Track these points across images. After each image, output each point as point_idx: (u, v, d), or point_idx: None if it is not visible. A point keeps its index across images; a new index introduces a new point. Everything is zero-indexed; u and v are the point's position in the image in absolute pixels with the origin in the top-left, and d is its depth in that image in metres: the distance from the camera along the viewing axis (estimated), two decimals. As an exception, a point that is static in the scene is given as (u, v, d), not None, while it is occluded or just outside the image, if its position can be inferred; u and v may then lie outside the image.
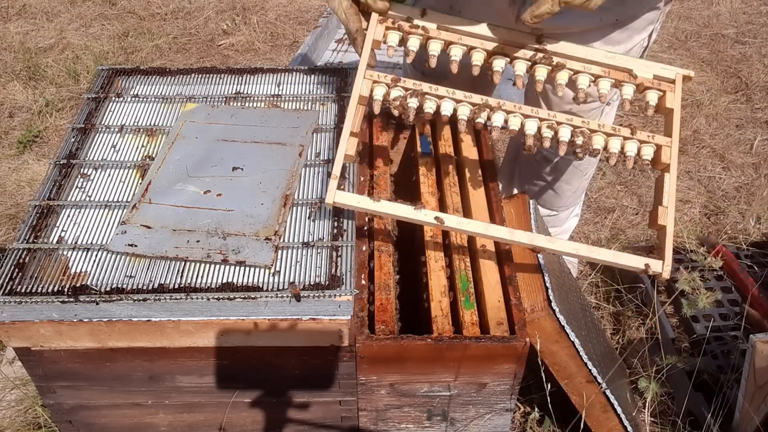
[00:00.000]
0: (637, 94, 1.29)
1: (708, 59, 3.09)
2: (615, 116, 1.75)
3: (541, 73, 1.27)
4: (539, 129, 1.25)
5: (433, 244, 1.34)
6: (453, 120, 1.26)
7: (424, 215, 1.23)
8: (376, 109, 1.26)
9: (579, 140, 1.24)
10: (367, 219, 1.37)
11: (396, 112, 1.25)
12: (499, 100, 1.26)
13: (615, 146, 1.25)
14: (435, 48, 1.27)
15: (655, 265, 1.23)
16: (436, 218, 1.22)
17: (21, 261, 1.16)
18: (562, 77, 1.27)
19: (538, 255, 1.37)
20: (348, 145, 1.23)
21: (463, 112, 1.26)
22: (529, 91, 1.71)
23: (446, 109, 1.26)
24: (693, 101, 2.80)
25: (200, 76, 1.57)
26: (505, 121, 1.26)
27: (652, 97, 1.28)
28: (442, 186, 1.46)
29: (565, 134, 1.25)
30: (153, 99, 1.51)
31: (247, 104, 1.50)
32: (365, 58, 1.25)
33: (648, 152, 1.26)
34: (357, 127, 1.25)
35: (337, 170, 1.21)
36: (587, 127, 1.24)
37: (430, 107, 1.25)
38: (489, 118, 1.26)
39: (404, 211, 1.23)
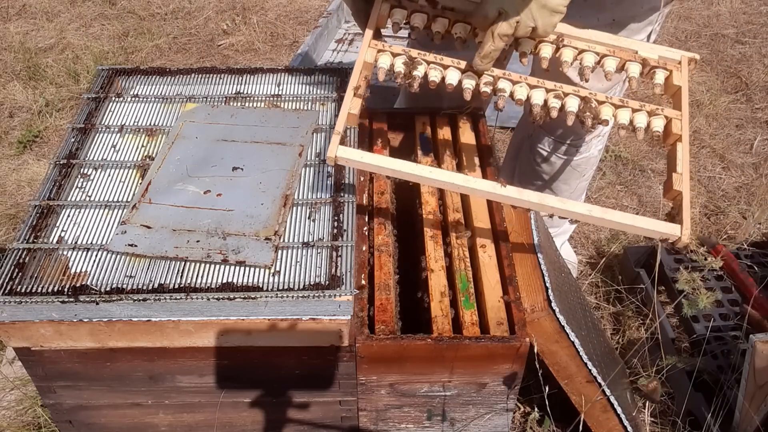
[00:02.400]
0: (642, 77, 1.27)
1: (708, 59, 3.08)
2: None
3: (546, 51, 1.26)
4: (546, 101, 1.23)
5: (433, 243, 1.34)
6: (458, 90, 1.25)
7: (429, 172, 1.20)
8: (381, 77, 1.26)
9: (587, 111, 1.22)
10: (367, 219, 1.37)
11: (399, 80, 1.25)
12: (505, 71, 1.25)
13: (624, 118, 1.23)
14: (439, 26, 1.27)
15: (674, 230, 1.17)
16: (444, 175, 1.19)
17: (21, 261, 1.16)
18: (567, 55, 1.26)
19: (539, 255, 1.37)
20: (352, 104, 1.22)
21: (469, 83, 1.25)
22: (534, 72, 1.69)
23: (451, 78, 1.25)
24: (693, 101, 2.80)
25: (200, 76, 1.57)
26: (512, 93, 1.25)
27: (659, 76, 1.26)
28: (442, 186, 1.45)
29: (572, 104, 1.23)
30: (153, 99, 1.51)
31: (247, 104, 1.50)
32: (370, 32, 1.25)
33: (658, 124, 1.23)
34: (362, 90, 1.24)
35: (340, 126, 1.20)
36: (595, 98, 1.23)
37: (435, 76, 1.25)
38: (494, 89, 1.25)
39: (408, 167, 1.20)
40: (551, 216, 1.91)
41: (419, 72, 1.24)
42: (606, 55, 1.26)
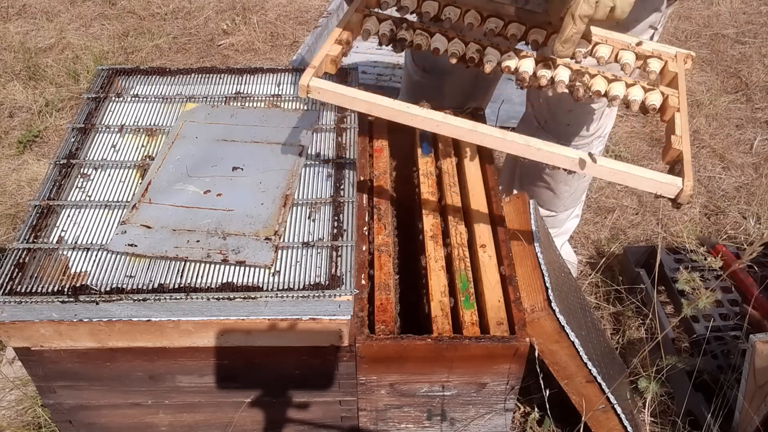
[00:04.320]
0: (637, 67, 1.26)
1: (708, 59, 3.08)
2: (616, 117, 1.75)
3: (537, 35, 1.24)
4: (535, 72, 1.21)
5: (433, 243, 1.34)
6: (444, 54, 1.24)
7: (406, 107, 1.15)
8: (364, 38, 1.27)
9: (578, 81, 1.19)
10: (367, 218, 1.37)
11: (384, 41, 1.25)
12: (492, 41, 1.25)
13: (618, 90, 1.20)
14: (429, 8, 1.27)
15: (675, 181, 1.09)
16: (424, 112, 1.14)
17: (21, 261, 1.16)
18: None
19: (539, 255, 1.37)
20: (331, 48, 1.22)
21: (456, 48, 1.24)
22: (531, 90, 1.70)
23: (438, 43, 1.25)
24: (693, 101, 2.80)
25: (200, 76, 1.57)
26: (500, 62, 1.23)
27: (654, 64, 1.24)
28: (442, 186, 1.46)
29: (563, 75, 1.21)
30: (153, 99, 1.51)
31: (247, 104, 1.50)
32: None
33: (655, 98, 1.20)
34: (345, 44, 1.24)
35: (315, 61, 1.18)
36: (587, 71, 1.21)
37: (420, 41, 1.25)
38: (482, 56, 1.24)
39: (385, 102, 1.15)
40: (552, 215, 1.91)
41: (405, 36, 1.24)
42: (599, 43, 1.24)
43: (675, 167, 1.14)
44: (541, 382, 1.34)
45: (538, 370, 1.33)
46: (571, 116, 1.66)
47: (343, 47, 1.25)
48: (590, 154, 1.12)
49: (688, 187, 1.08)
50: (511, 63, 1.23)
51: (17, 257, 1.17)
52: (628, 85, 1.22)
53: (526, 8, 1.26)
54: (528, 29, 1.24)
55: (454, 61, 1.24)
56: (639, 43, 1.26)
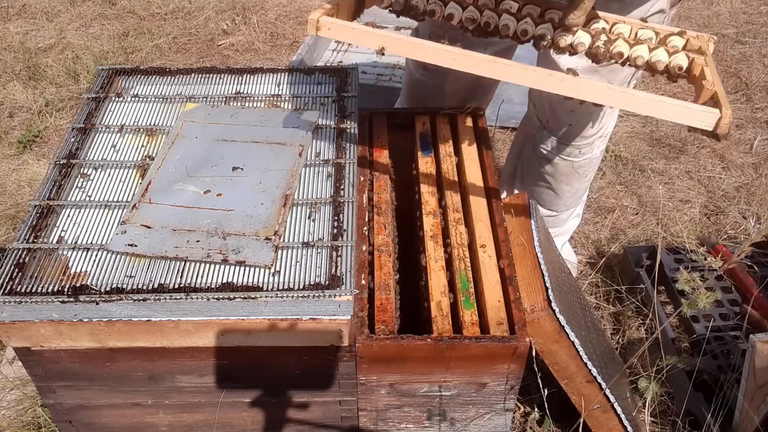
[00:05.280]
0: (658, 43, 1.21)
1: (708, 59, 3.08)
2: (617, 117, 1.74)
3: (553, 14, 1.20)
4: (553, 38, 1.16)
5: (433, 243, 1.34)
6: (449, 18, 1.21)
7: (420, 41, 1.11)
8: (378, 3, 1.22)
9: (600, 41, 1.15)
10: (367, 219, 1.37)
11: (397, 7, 1.21)
12: (508, 7, 1.20)
13: (641, 51, 1.14)
14: None
15: (713, 111, 1.03)
16: (445, 46, 1.09)
17: (21, 261, 1.16)
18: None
19: (539, 255, 1.37)
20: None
21: (471, 14, 1.20)
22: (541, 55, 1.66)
23: (453, 9, 1.21)
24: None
25: (200, 76, 1.57)
26: (515, 29, 1.19)
27: (677, 41, 1.18)
28: (442, 186, 1.46)
29: (583, 38, 1.16)
30: (153, 99, 1.51)
31: (247, 104, 1.50)
32: None
33: (681, 59, 1.13)
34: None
35: (327, 5, 1.14)
36: (608, 34, 1.17)
37: (434, 7, 1.21)
38: (497, 23, 1.19)
39: (397, 36, 1.12)
40: (554, 214, 1.91)
41: (419, 3, 1.20)
42: (617, 22, 1.20)
43: (713, 99, 1.07)
44: (540, 381, 1.34)
45: (536, 369, 1.33)
46: (573, 116, 1.66)
47: (356, 5, 1.19)
48: (614, 86, 1.06)
49: (726, 116, 1.01)
50: (529, 28, 1.19)
51: (17, 257, 1.17)
52: (651, 49, 1.16)
53: None
54: (544, 10, 1.20)
55: (470, 26, 1.19)
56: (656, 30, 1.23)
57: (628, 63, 1.18)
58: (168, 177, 1.32)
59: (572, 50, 1.19)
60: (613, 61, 1.18)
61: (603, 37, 1.17)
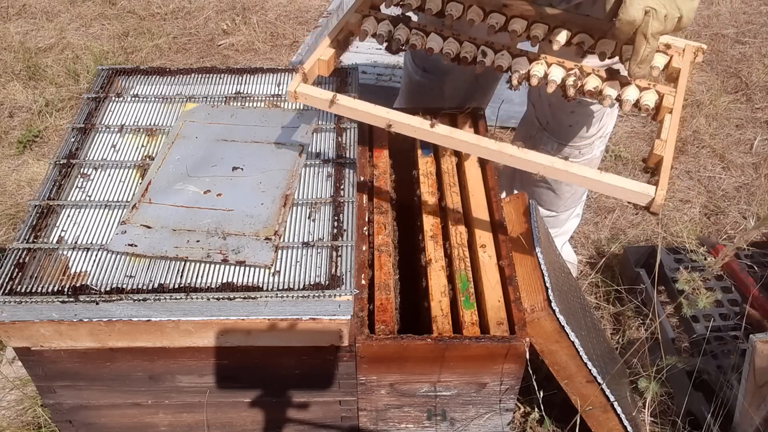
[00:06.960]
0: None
1: (708, 59, 3.08)
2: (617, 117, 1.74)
3: (539, 30, 1.23)
4: (529, 70, 1.21)
5: (433, 243, 1.34)
6: (438, 54, 1.26)
7: (387, 113, 1.18)
8: (361, 38, 1.29)
9: (570, 80, 1.18)
10: (367, 218, 1.37)
11: (381, 41, 1.28)
12: (487, 39, 1.25)
13: (610, 90, 1.18)
14: (432, 4, 1.27)
15: (647, 190, 1.09)
16: (428, 122, 1.16)
17: (21, 261, 1.16)
18: (561, 36, 1.22)
19: (539, 255, 1.37)
20: (324, 51, 1.25)
21: (450, 48, 1.25)
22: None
23: (433, 43, 1.26)
24: (693, 101, 2.80)
25: (200, 76, 1.57)
26: (493, 61, 1.23)
27: (658, 60, 1.21)
28: (442, 186, 1.46)
29: (556, 74, 1.20)
30: (153, 99, 1.51)
31: (247, 104, 1.50)
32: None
33: (650, 98, 1.17)
34: (340, 46, 1.27)
35: (307, 65, 1.22)
36: (581, 69, 1.20)
37: (415, 40, 1.27)
38: (475, 56, 1.24)
39: (372, 109, 1.19)
40: (554, 215, 1.91)
41: (401, 35, 1.25)
42: (602, 37, 1.21)
43: (651, 172, 1.14)
44: (534, 384, 1.33)
45: (531, 373, 1.32)
46: (573, 117, 1.66)
47: (339, 49, 1.26)
48: (557, 161, 1.12)
49: (660, 197, 1.07)
50: (504, 62, 1.23)
51: (17, 257, 1.17)
52: (622, 84, 1.20)
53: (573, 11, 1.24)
54: (573, 33, 1.22)
55: (446, 61, 1.26)
56: None
57: (597, 100, 1.21)
58: (168, 177, 1.32)
59: (545, 84, 1.23)
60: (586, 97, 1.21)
61: (575, 73, 1.20)
